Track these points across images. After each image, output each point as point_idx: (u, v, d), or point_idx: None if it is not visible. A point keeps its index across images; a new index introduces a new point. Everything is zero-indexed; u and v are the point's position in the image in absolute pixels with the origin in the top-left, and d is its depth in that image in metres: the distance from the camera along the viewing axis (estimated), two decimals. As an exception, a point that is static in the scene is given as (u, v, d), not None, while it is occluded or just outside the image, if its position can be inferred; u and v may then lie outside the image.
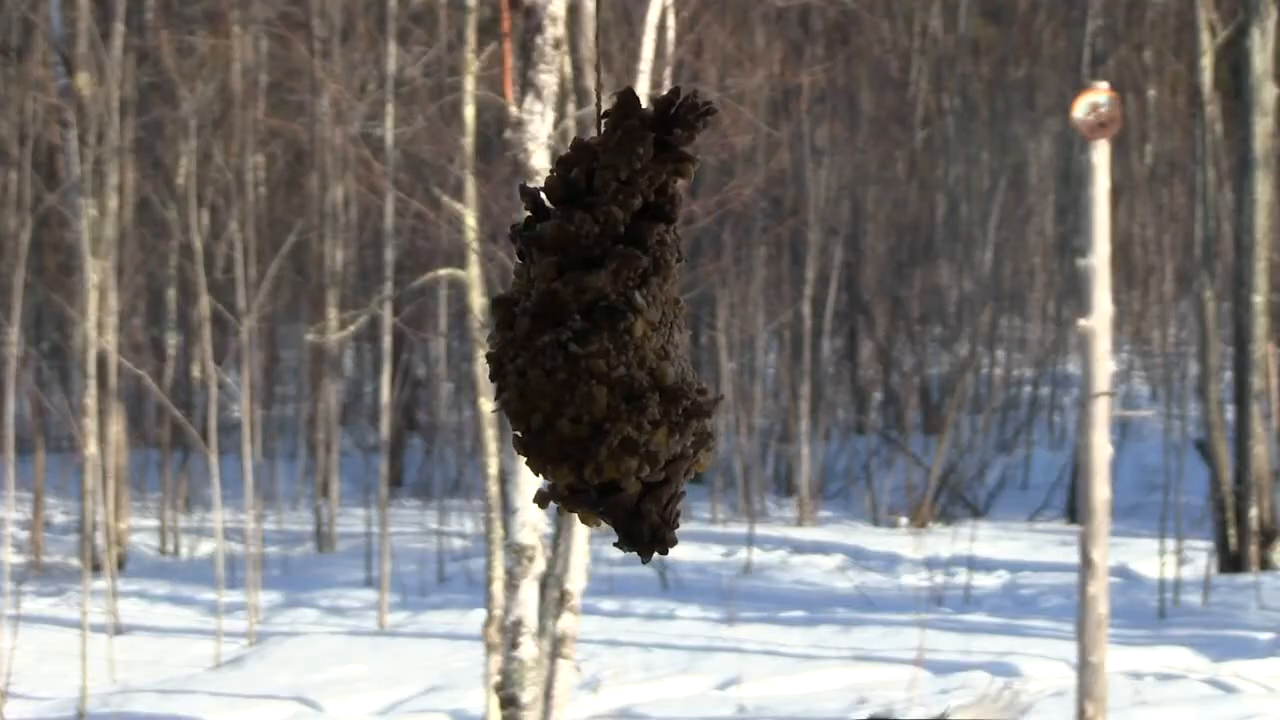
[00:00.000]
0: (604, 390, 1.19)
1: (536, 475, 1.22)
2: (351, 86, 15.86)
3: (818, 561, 14.93)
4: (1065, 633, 10.60)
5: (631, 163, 1.22)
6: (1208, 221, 15.20)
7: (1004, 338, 22.05)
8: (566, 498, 1.21)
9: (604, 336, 1.19)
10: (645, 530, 1.23)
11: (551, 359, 1.19)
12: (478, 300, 9.56)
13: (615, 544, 1.25)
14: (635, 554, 1.24)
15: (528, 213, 1.24)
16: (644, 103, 1.25)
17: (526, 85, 7.21)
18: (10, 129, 16.85)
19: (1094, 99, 8.18)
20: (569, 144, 1.26)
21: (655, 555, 1.24)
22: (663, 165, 1.23)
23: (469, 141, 10.24)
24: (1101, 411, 8.16)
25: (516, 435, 1.21)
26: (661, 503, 1.22)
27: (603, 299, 1.20)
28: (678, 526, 1.26)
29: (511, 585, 7.45)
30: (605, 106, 1.27)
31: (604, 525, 1.25)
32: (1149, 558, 13.76)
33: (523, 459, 1.22)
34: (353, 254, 18.57)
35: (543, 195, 1.25)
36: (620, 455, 1.19)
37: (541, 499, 1.23)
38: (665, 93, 1.26)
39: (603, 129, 1.24)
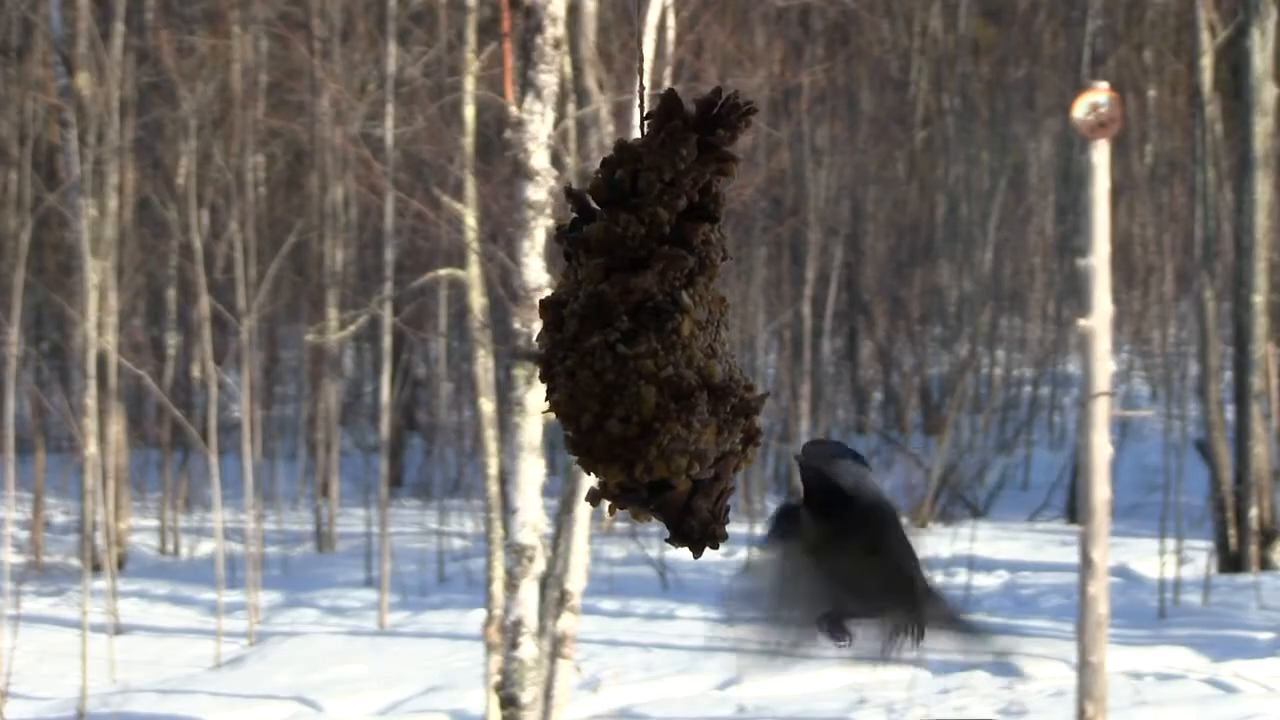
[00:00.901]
0: (652, 390, 1.18)
1: (587, 474, 1.22)
2: (351, 86, 15.85)
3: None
4: (1065, 633, 10.59)
5: (675, 164, 1.21)
6: (1208, 221, 15.20)
7: (1004, 338, 22.04)
8: (618, 496, 1.21)
9: (652, 337, 1.19)
10: (696, 527, 1.23)
11: (600, 360, 1.18)
12: (478, 300, 9.56)
13: (666, 540, 1.25)
14: (686, 549, 1.24)
15: (573, 214, 1.24)
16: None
17: (526, 85, 7.21)
18: (10, 129, 16.86)
19: (1094, 99, 8.18)
20: (614, 146, 1.25)
21: (705, 550, 1.25)
22: (706, 165, 1.23)
23: (469, 141, 10.24)
24: (1101, 411, 8.16)
25: (567, 435, 1.21)
26: (712, 499, 1.22)
27: (650, 300, 1.20)
28: (728, 522, 1.26)
29: (511, 585, 7.45)
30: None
31: (654, 521, 1.25)
32: (1149, 558, 13.75)
33: (572, 457, 1.22)
34: (353, 254, 18.57)
35: (588, 197, 1.24)
36: (670, 454, 1.19)
37: (593, 497, 1.23)
38: (708, 94, 1.26)
39: (646, 130, 1.24)
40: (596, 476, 1.22)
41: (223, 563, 12.90)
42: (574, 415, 1.19)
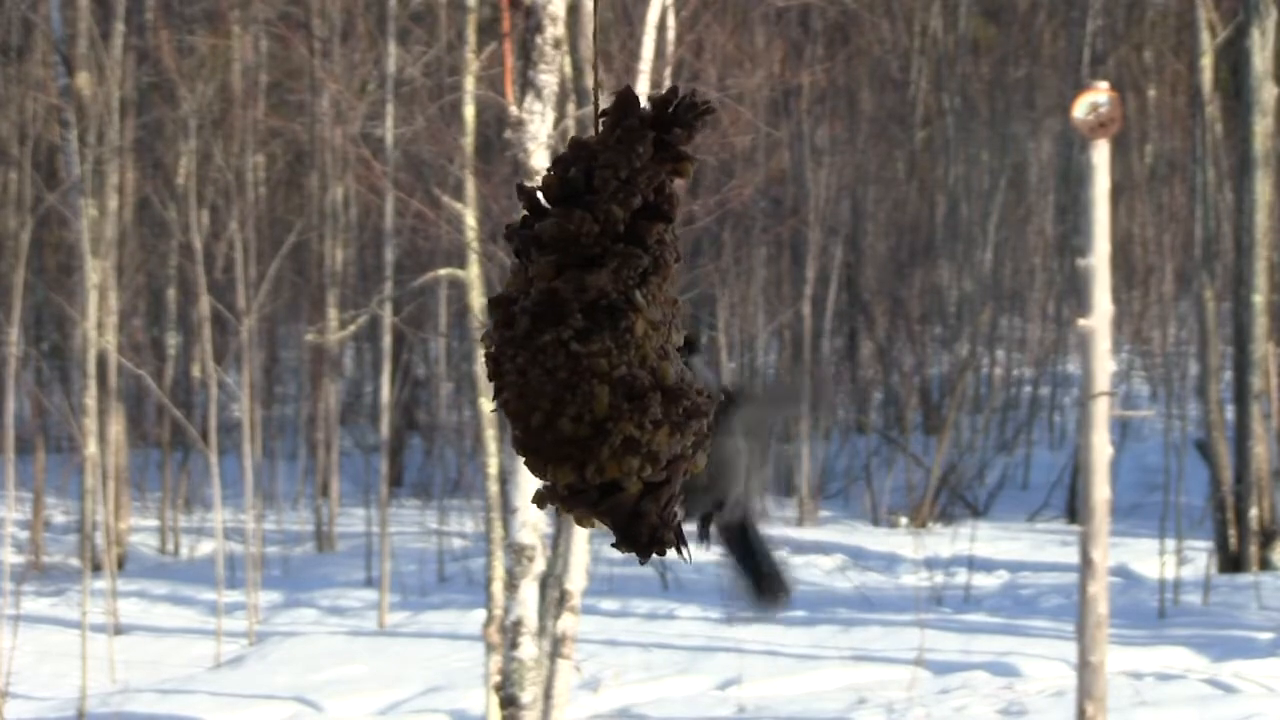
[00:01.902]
0: (606, 389, 1.18)
1: (536, 475, 1.20)
2: (351, 86, 15.85)
3: (818, 561, 14.93)
4: (1065, 633, 10.60)
5: (631, 162, 1.20)
6: (1208, 221, 15.20)
7: (1004, 338, 22.04)
8: (566, 497, 1.20)
9: (605, 335, 1.18)
10: (644, 531, 1.22)
11: (553, 358, 1.18)
12: (478, 300, 9.56)
13: (613, 545, 1.23)
14: (633, 555, 1.23)
15: (524, 211, 1.24)
16: (643, 102, 1.24)
17: (526, 85, 7.21)
18: (10, 129, 16.86)
19: (1094, 99, 8.18)
20: (567, 143, 1.25)
21: (654, 556, 1.23)
22: (662, 165, 1.22)
23: (469, 141, 10.24)
24: (1101, 411, 8.16)
25: (516, 434, 1.19)
26: (661, 503, 1.21)
27: (604, 298, 1.19)
28: (675, 528, 1.25)
29: (511, 585, 7.45)
30: (604, 106, 1.26)
31: (601, 525, 1.24)
32: (1149, 558, 13.75)
33: (521, 458, 1.21)
34: (353, 254, 18.56)
35: (539, 194, 1.24)
36: (622, 455, 1.18)
37: (540, 499, 1.22)
38: (663, 92, 1.25)
39: (601, 127, 1.23)
40: (545, 477, 1.20)
41: (223, 563, 12.90)
42: (524, 414, 1.18)
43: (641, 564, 1.23)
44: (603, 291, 1.19)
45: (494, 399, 1.21)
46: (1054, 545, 15.45)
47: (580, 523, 1.21)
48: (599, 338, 1.18)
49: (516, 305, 1.20)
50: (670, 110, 1.23)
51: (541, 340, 1.18)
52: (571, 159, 1.22)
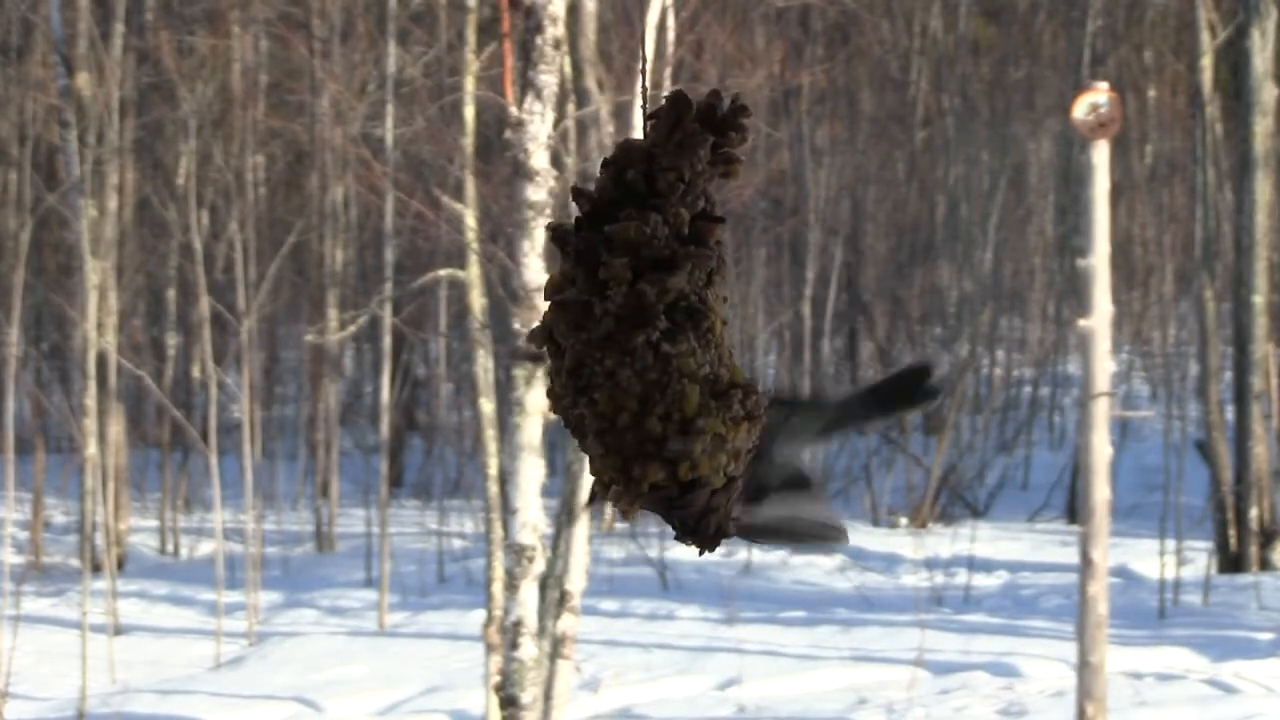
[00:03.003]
0: (695, 388, 1.21)
1: (613, 474, 1.22)
2: (351, 86, 15.85)
3: (818, 561, 14.93)
4: (1065, 633, 10.61)
5: (694, 164, 1.23)
6: (1208, 221, 15.20)
7: (1004, 338, 22.04)
8: (646, 495, 1.22)
9: (690, 336, 1.22)
10: (712, 524, 1.24)
11: (643, 359, 1.21)
12: (478, 300, 9.56)
13: (676, 538, 1.26)
14: (693, 547, 1.25)
15: (579, 214, 1.25)
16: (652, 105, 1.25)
17: (526, 85, 7.21)
18: (10, 129, 16.86)
19: (1094, 99, 8.18)
20: (617, 145, 1.26)
21: (717, 547, 1.26)
22: (715, 167, 1.25)
23: (469, 141, 10.24)
24: (1101, 411, 8.16)
25: (600, 436, 1.21)
26: (730, 496, 1.25)
27: (683, 299, 1.22)
28: (737, 519, 1.28)
29: (511, 585, 7.44)
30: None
31: (650, 517, 1.26)
32: (1149, 558, 13.75)
33: (598, 459, 1.23)
34: (353, 254, 18.56)
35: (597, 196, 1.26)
36: (713, 452, 1.22)
37: (617, 497, 1.24)
38: (706, 95, 1.27)
39: (651, 130, 1.25)
40: (628, 476, 1.22)
41: (223, 563, 12.90)
42: (612, 415, 1.21)
43: (700, 554, 1.25)
44: (682, 293, 1.22)
45: (574, 400, 1.23)
46: (1054, 545, 15.45)
47: (628, 516, 1.24)
48: (684, 338, 1.22)
49: (595, 309, 1.22)
50: (718, 114, 1.25)
51: (633, 342, 1.21)
52: (625, 162, 1.23)
